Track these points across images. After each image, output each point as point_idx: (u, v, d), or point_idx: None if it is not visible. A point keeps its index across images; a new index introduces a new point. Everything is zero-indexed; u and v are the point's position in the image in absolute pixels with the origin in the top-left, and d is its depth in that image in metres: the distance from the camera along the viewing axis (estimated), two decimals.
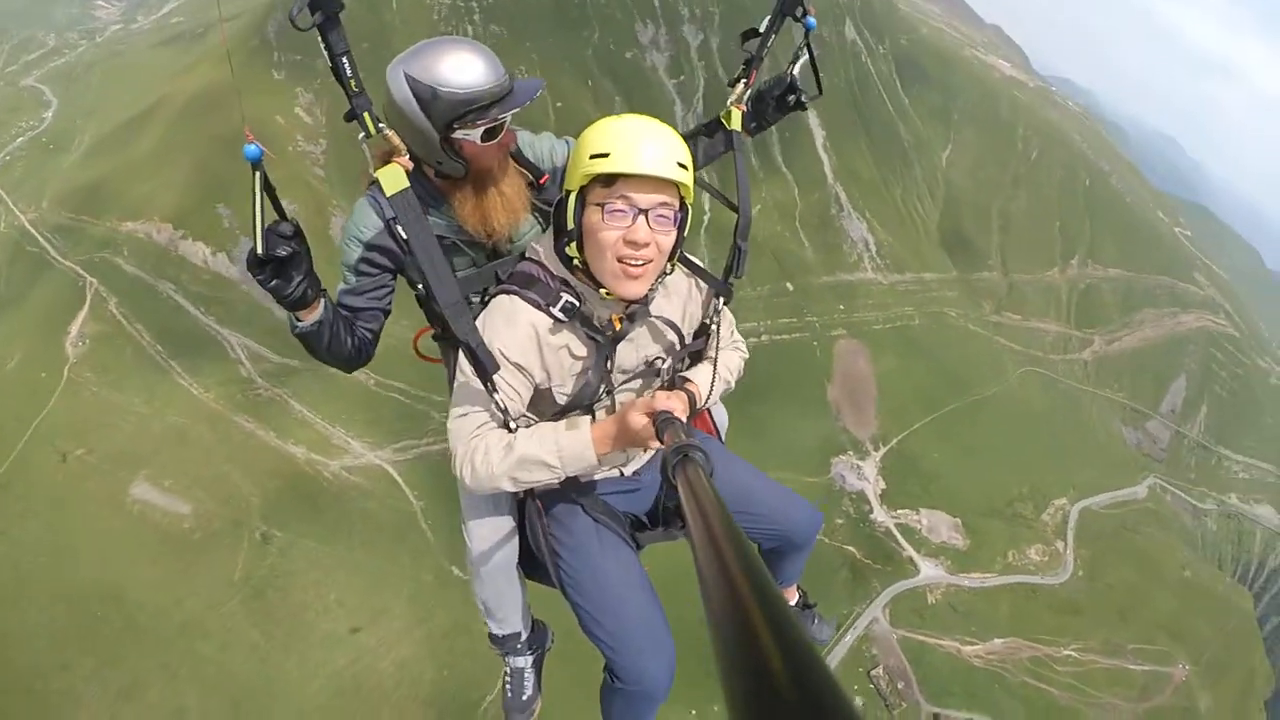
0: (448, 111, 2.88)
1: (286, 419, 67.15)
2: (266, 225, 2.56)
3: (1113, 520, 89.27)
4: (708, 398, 3.08)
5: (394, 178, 2.84)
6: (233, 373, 70.87)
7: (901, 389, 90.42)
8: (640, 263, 2.61)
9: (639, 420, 2.41)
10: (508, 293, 2.81)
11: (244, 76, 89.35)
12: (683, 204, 2.69)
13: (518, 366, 2.74)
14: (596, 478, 3.19)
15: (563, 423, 2.77)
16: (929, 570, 72.44)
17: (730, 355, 3.35)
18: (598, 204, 2.57)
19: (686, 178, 2.59)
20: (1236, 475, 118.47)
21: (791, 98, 3.69)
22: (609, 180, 2.54)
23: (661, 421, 2.30)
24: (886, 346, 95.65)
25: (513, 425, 2.77)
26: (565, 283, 2.79)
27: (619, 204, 2.54)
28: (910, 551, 73.50)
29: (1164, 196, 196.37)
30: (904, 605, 68.25)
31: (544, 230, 3.31)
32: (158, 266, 78.97)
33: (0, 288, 75.32)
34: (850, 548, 70.94)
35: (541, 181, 3.35)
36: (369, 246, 3.16)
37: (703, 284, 3.24)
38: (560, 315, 2.72)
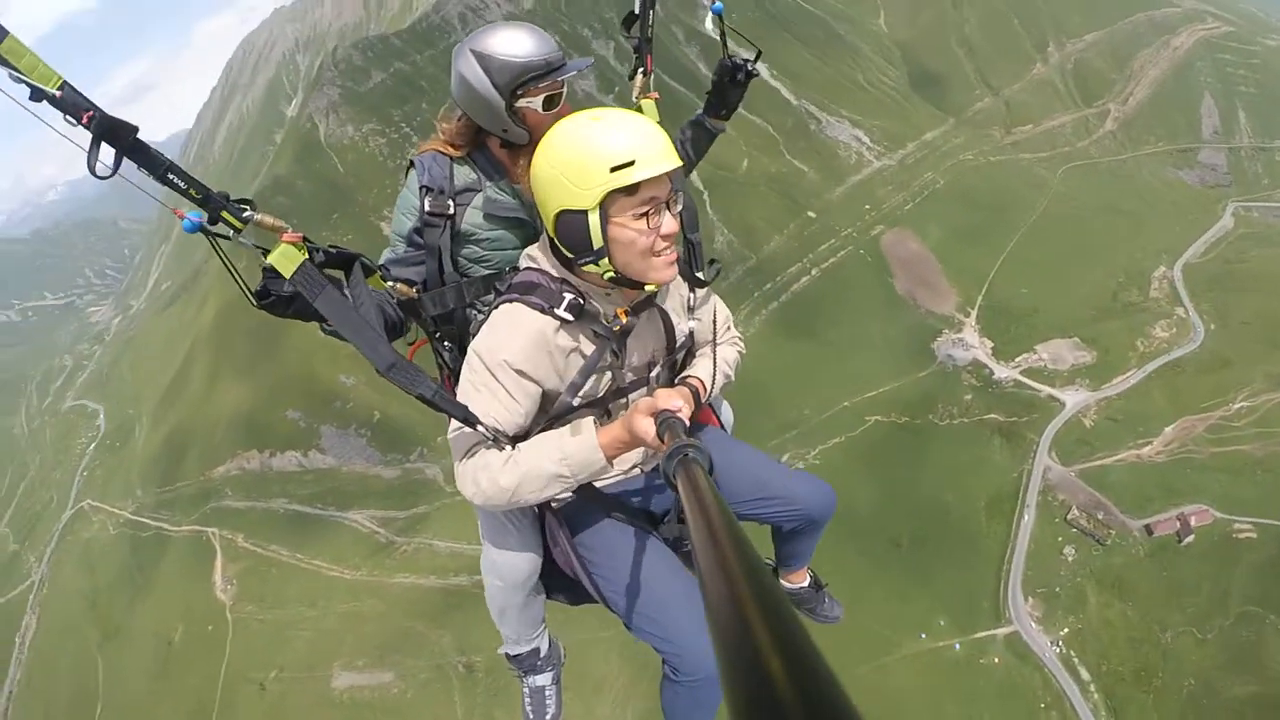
0: (510, 79, 3.12)
1: (437, 558, 69.52)
2: (263, 266, 2.50)
3: (1216, 263, 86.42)
4: (710, 390, 3.09)
5: (285, 258, 2.53)
6: (372, 544, 74.02)
7: (961, 249, 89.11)
8: (673, 249, 2.66)
9: (643, 423, 2.35)
10: (509, 301, 2.77)
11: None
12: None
13: (521, 374, 2.67)
14: (614, 478, 3.16)
15: (566, 429, 2.70)
16: (1073, 397, 70.82)
17: (728, 350, 3.33)
18: (632, 212, 2.51)
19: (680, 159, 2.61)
20: None
21: (740, 74, 3.81)
22: (632, 188, 2.47)
23: (662, 422, 2.27)
24: (927, 219, 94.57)
25: (508, 444, 2.70)
26: (566, 283, 2.75)
27: (650, 206, 2.52)
28: (1047, 389, 71.96)
29: None
30: (1068, 441, 66.73)
31: None
32: (262, 489, 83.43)
33: (138, 579, 79.74)
34: (992, 415, 69.86)
35: None
36: (423, 217, 3.29)
37: (683, 280, 3.19)
38: (566, 315, 2.68)
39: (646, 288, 2.67)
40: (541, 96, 3.20)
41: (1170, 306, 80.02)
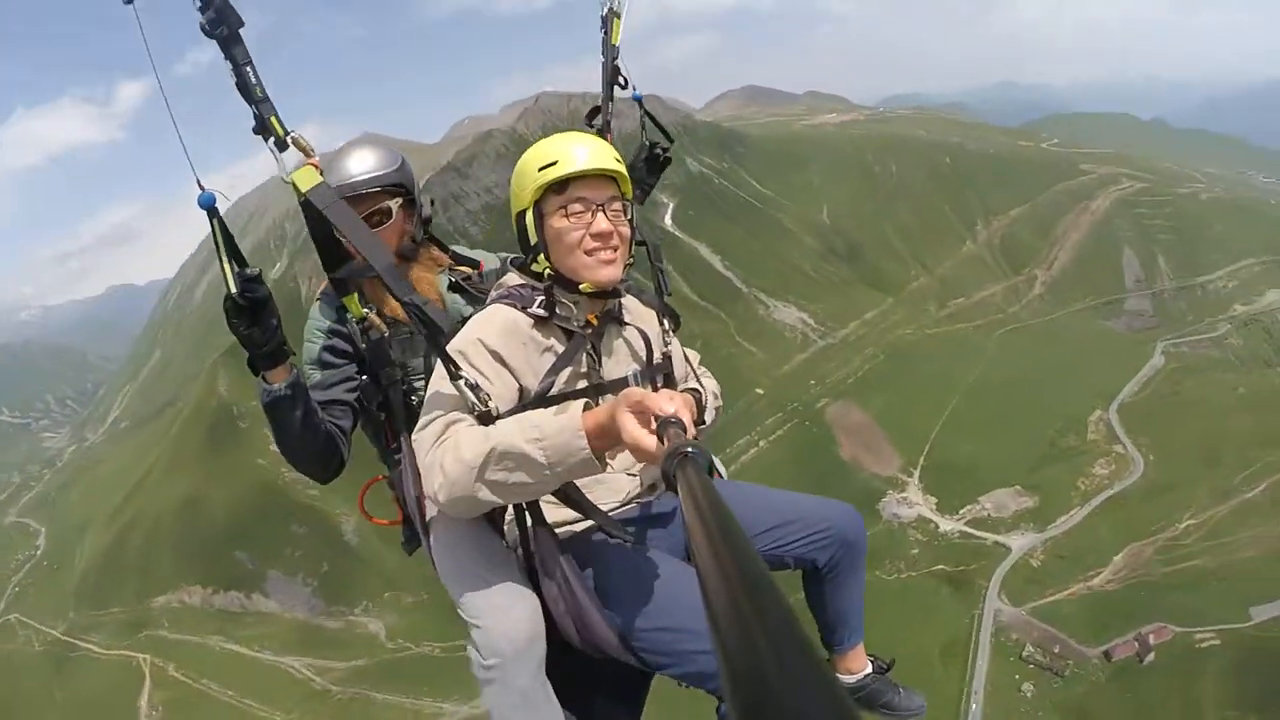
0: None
1: (372, 708, 70.43)
2: (247, 273, 2.50)
3: (1150, 399, 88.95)
4: (705, 405, 2.93)
5: (306, 176, 2.72)
6: (306, 689, 74.45)
7: (902, 415, 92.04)
8: (609, 250, 2.60)
9: (627, 418, 1.97)
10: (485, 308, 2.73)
11: None
12: (624, 198, 2.71)
13: (495, 354, 2.50)
14: (621, 505, 2.76)
15: (552, 408, 2.32)
16: (1019, 541, 71.40)
17: (709, 380, 3.16)
18: (559, 209, 2.57)
19: (625, 170, 2.67)
20: (1226, 288, 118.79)
21: (658, 152, 3.89)
22: (560, 187, 2.55)
23: (662, 425, 1.93)
24: (869, 390, 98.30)
25: (492, 412, 2.38)
26: (535, 289, 2.67)
27: (578, 204, 2.55)
28: (992, 536, 72.68)
29: (1017, 131, 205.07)
30: (1016, 581, 66.93)
31: (470, 304, 3.29)
32: (199, 624, 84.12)
33: (58, 696, 77.58)
34: (939, 566, 70.26)
35: (480, 269, 3.46)
36: (329, 334, 3.17)
37: (653, 311, 3.06)
38: (540, 311, 2.59)
39: (581, 289, 2.61)
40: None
41: (1108, 445, 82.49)
